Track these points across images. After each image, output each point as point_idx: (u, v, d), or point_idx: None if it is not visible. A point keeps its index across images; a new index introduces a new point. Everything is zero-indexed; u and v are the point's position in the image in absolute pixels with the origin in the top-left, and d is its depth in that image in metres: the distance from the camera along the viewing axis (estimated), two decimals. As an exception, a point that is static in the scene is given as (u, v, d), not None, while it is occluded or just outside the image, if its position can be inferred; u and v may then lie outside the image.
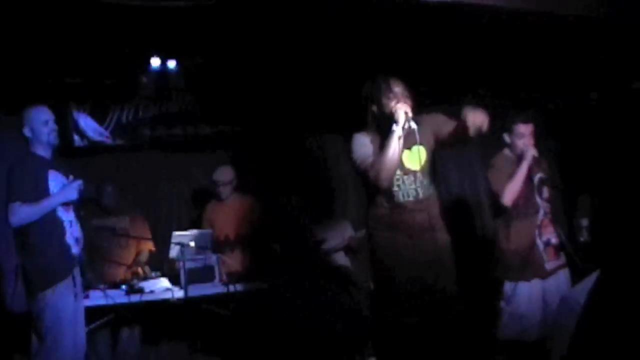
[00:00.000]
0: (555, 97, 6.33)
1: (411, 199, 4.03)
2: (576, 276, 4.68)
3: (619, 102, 5.81)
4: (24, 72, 5.48)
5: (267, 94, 6.50)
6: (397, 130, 3.88)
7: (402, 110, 3.89)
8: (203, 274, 5.42)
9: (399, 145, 3.90)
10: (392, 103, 3.96)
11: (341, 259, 5.98)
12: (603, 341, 2.53)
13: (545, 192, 5.01)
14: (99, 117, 6.25)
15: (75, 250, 4.28)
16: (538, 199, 5.00)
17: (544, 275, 4.89)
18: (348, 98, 5.97)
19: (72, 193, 4.27)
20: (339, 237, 6.06)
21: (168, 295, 5.14)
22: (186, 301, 5.05)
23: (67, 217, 4.27)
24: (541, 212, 4.99)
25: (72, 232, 4.29)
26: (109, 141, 6.25)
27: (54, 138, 4.31)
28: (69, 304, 4.16)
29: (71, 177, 4.38)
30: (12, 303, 4.84)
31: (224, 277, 5.48)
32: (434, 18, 4.76)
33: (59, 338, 4.09)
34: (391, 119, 3.92)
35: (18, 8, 4.35)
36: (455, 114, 3.93)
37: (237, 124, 6.79)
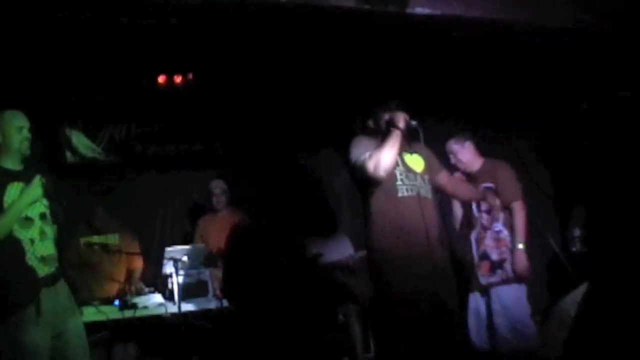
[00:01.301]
0: (546, 107, 6.36)
1: (413, 193, 4.08)
2: (569, 287, 4.69)
3: (609, 111, 5.84)
4: (16, 89, 5.49)
5: (260, 110, 6.52)
6: (400, 129, 4.02)
7: (402, 115, 4.05)
8: (196, 289, 5.41)
9: (399, 141, 4.01)
10: (387, 115, 4.11)
11: (340, 276, 5.97)
12: (595, 350, 2.54)
13: (485, 205, 5.02)
14: (92, 134, 6.27)
15: (42, 270, 3.78)
16: (476, 212, 5.04)
17: (480, 288, 4.94)
18: (341, 114, 6.05)
19: (36, 190, 3.77)
20: (338, 252, 6.06)
21: (162, 311, 5.13)
22: (180, 316, 5.04)
23: (27, 234, 3.76)
24: (478, 226, 5.03)
25: (35, 251, 3.77)
26: (101, 158, 6.26)
27: (25, 148, 3.85)
28: (29, 335, 3.65)
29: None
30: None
31: (218, 291, 5.48)
32: (421, 30, 4.79)
33: None
34: (390, 125, 4.05)
35: (11, 26, 4.37)
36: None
37: (230, 141, 6.81)
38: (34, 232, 3.80)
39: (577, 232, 5.87)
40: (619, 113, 5.71)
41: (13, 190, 3.78)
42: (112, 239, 5.66)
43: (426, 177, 4.19)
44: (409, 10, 4.47)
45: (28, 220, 3.79)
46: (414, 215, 4.02)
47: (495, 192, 4.96)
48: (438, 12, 4.57)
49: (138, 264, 5.83)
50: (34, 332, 3.67)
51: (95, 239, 5.61)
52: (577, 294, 3.07)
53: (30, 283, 3.74)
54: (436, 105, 5.81)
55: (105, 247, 5.47)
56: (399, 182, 4.06)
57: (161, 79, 6.10)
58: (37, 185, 3.80)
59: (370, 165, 3.97)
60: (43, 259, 3.80)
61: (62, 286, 3.94)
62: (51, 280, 3.84)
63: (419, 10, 4.49)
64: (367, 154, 4.02)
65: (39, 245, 3.81)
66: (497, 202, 4.95)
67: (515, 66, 5.53)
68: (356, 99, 5.46)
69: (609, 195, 5.62)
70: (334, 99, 6.14)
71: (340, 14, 4.41)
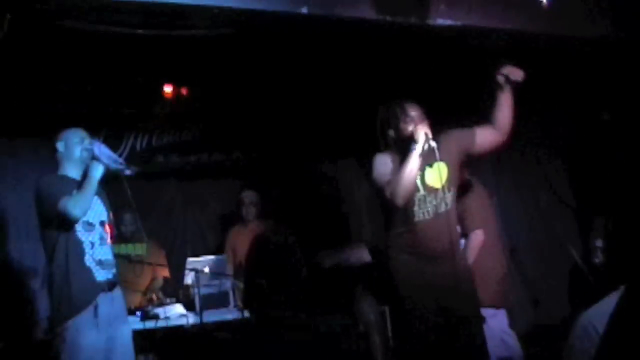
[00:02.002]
0: (568, 118, 6.33)
1: (430, 216, 4.04)
2: (590, 298, 4.66)
3: (631, 121, 5.81)
4: (38, 100, 5.55)
5: (281, 121, 6.54)
6: (417, 149, 3.92)
7: (422, 131, 3.95)
8: (218, 300, 5.43)
9: (418, 163, 3.94)
10: (410, 127, 4.03)
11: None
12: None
13: None
14: (114, 145, 6.31)
15: (99, 274, 3.98)
16: None
17: None
18: (361, 123, 6.05)
19: (97, 169, 4.06)
20: (355, 261, 6.06)
21: (183, 321, 5.14)
22: (201, 327, 5.05)
23: (88, 237, 4.00)
24: None
25: (94, 254, 3.99)
26: (123, 168, 6.29)
27: (87, 157, 4.12)
28: (88, 338, 3.82)
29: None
30: (31, 335, 4.79)
31: (239, 302, 5.49)
32: (442, 41, 4.79)
33: None
34: (410, 141, 3.97)
35: (32, 39, 4.41)
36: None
37: (251, 151, 6.83)
38: (94, 237, 4.03)
39: (598, 243, 5.83)
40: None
41: None
42: (140, 249, 5.69)
43: (447, 187, 4.14)
44: (430, 22, 4.47)
45: (90, 225, 4.02)
46: (427, 237, 4.02)
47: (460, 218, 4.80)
48: (459, 23, 4.56)
49: (161, 273, 5.85)
50: (91, 335, 3.84)
51: (123, 248, 5.65)
52: (602, 306, 3.04)
53: (90, 285, 3.93)
54: (457, 116, 5.79)
55: (128, 258, 5.51)
56: (415, 208, 4.03)
57: (183, 90, 6.13)
58: (97, 166, 4.08)
59: (388, 194, 3.96)
60: (100, 263, 4.01)
61: (118, 293, 4.14)
62: (108, 285, 4.04)
63: (440, 21, 4.49)
64: (386, 180, 4.00)
65: (98, 249, 4.03)
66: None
67: (536, 77, 5.50)
68: (376, 109, 5.46)
69: (631, 206, 5.58)
70: (355, 110, 6.14)
71: (361, 26, 4.41)
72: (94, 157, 4.15)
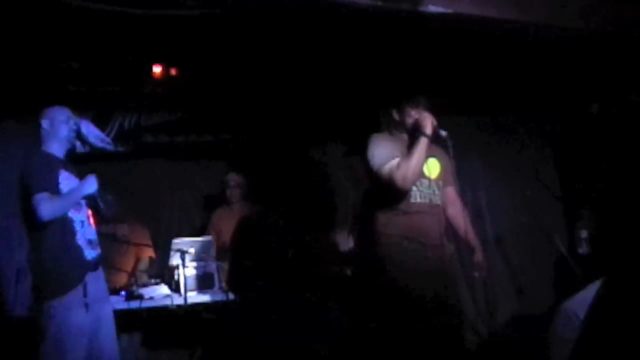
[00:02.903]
0: (557, 109, 6.35)
1: (426, 201, 4.10)
2: (574, 287, 4.70)
3: (620, 114, 5.83)
4: (25, 78, 5.51)
5: (270, 103, 6.52)
6: (427, 136, 3.97)
7: (429, 119, 4.00)
8: (203, 281, 5.43)
9: (426, 149, 3.99)
10: (416, 112, 4.10)
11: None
12: (608, 352, 2.52)
13: None
14: (101, 124, 6.27)
15: (88, 254, 3.98)
16: None
17: None
18: (351, 109, 6.05)
19: (92, 185, 4.06)
20: (339, 247, 6.07)
21: (167, 302, 5.14)
22: (185, 308, 5.05)
23: (78, 216, 4.00)
24: None
25: (84, 233, 4.00)
26: (110, 148, 6.27)
27: (73, 137, 4.17)
28: (77, 317, 3.82)
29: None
30: (12, 313, 4.73)
31: (224, 284, 5.49)
32: (434, 28, 4.78)
33: (65, 357, 3.75)
34: (415, 126, 4.04)
35: (21, 15, 4.37)
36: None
37: (239, 132, 6.81)
38: (83, 215, 4.05)
39: (584, 234, 5.86)
40: (629, 116, 5.70)
41: (64, 177, 4.02)
42: (121, 229, 5.69)
43: (440, 183, 4.20)
44: (422, 8, 4.46)
45: (78, 204, 4.02)
46: (423, 220, 4.06)
47: None
48: (451, 10, 4.55)
49: (147, 254, 5.84)
50: (80, 314, 3.84)
51: (104, 228, 5.64)
52: (585, 295, 3.07)
53: (80, 264, 3.93)
54: (447, 103, 5.80)
55: (113, 237, 5.50)
56: (414, 189, 4.07)
57: (172, 70, 6.10)
58: (93, 183, 4.08)
59: (399, 178, 3.95)
60: (90, 242, 4.02)
61: (101, 273, 4.15)
62: (94, 264, 4.04)
63: (432, 8, 4.48)
64: (395, 163, 3.99)
65: (88, 228, 4.05)
66: None
67: (527, 67, 5.51)
68: (366, 95, 5.46)
69: (617, 198, 5.61)
70: (344, 95, 6.13)
71: (352, 10, 4.39)
72: (80, 136, 4.15)
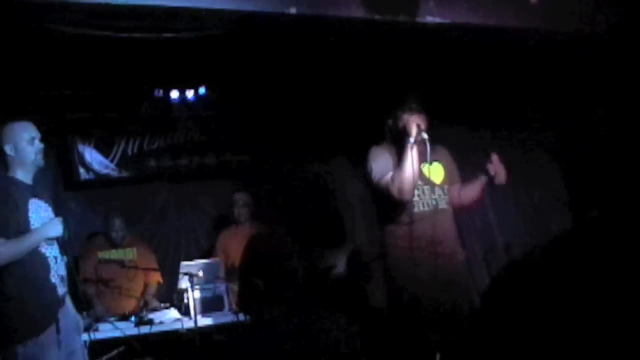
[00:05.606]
0: (561, 114, 6.33)
1: (431, 208, 4.07)
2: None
3: (626, 117, 5.81)
4: (29, 106, 5.52)
5: (272, 122, 6.53)
6: (410, 141, 3.93)
7: (414, 122, 3.97)
8: (213, 304, 5.40)
9: (415, 156, 3.94)
10: (406, 118, 4.05)
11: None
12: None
13: None
14: (105, 150, 6.28)
15: (60, 290, 3.75)
16: None
17: None
18: (352, 122, 6.05)
19: (57, 228, 3.73)
20: (350, 262, 6.05)
21: (178, 326, 5.12)
22: (196, 331, 5.02)
23: (52, 252, 3.74)
24: None
25: (58, 269, 3.75)
26: (114, 173, 6.27)
27: (40, 159, 3.77)
28: (52, 356, 3.59)
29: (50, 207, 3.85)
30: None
31: (234, 305, 5.46)
32: (432, 39, 4.78)
33: None
34: (404, 132, 4.00)
35: (23, 43, 4.38)
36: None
37: (243, 152, 6.81)
38: (56, 251, 3.78)
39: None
40: (635, 120, 5.68)
41: (33, 207, 3.72)
42: (130, 254, 5.68)
43: (446, 187, 4.18)
44: (419, 19, 4.46)
45: (51, 239, 3.74)
46: (430, 228, 4.02)
47: None
48: (448, 20, 4.55)
49: (155, 278, 5.82)
50: (55, 352, 3.62)
51: (113, 253, 5.63)
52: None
53: (53, 301, 3.70)
54: (447, 113, 5.79)
55: (121, 263, 5.48)
56: (416, 199, 4.05)
57: (173, 93, 6.12)
58: (58, 227, 3.74)
59: (395, 191, 3.94)
60: (62, 279, 3.79)
61: (69, 303, 3.92)
62: (63, 299, 3.82)
63: (430, 19, 4.48)
64: (389, 177, 3.98)
65: (60, 264, 3.79)
66: None
67: (527, 73, 5.51)
68: (368, 108, 5.45)
69: (624, 201, 5.58)
70: (346, 109, 6.13)
71: (350, 25, 4.40)
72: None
